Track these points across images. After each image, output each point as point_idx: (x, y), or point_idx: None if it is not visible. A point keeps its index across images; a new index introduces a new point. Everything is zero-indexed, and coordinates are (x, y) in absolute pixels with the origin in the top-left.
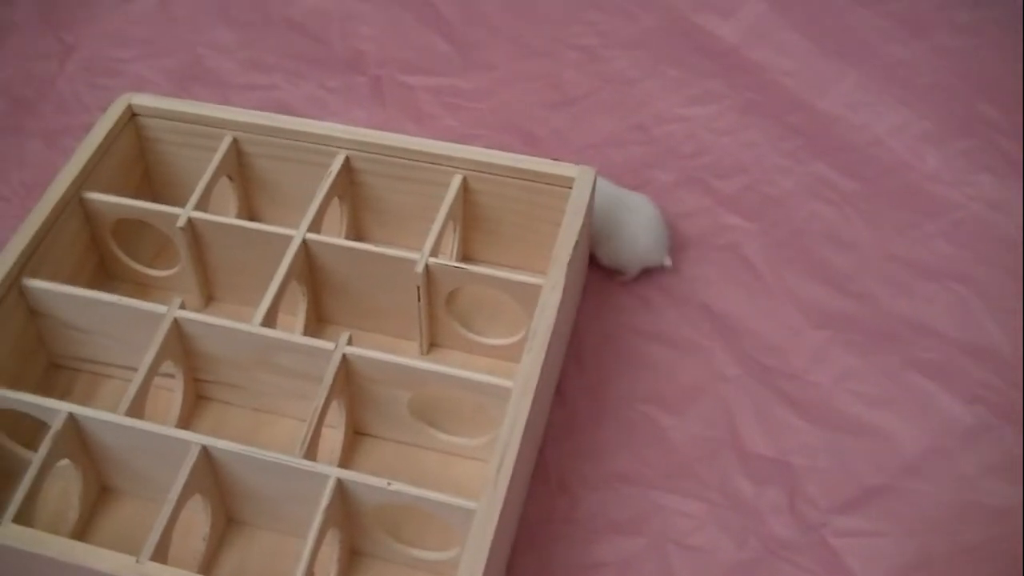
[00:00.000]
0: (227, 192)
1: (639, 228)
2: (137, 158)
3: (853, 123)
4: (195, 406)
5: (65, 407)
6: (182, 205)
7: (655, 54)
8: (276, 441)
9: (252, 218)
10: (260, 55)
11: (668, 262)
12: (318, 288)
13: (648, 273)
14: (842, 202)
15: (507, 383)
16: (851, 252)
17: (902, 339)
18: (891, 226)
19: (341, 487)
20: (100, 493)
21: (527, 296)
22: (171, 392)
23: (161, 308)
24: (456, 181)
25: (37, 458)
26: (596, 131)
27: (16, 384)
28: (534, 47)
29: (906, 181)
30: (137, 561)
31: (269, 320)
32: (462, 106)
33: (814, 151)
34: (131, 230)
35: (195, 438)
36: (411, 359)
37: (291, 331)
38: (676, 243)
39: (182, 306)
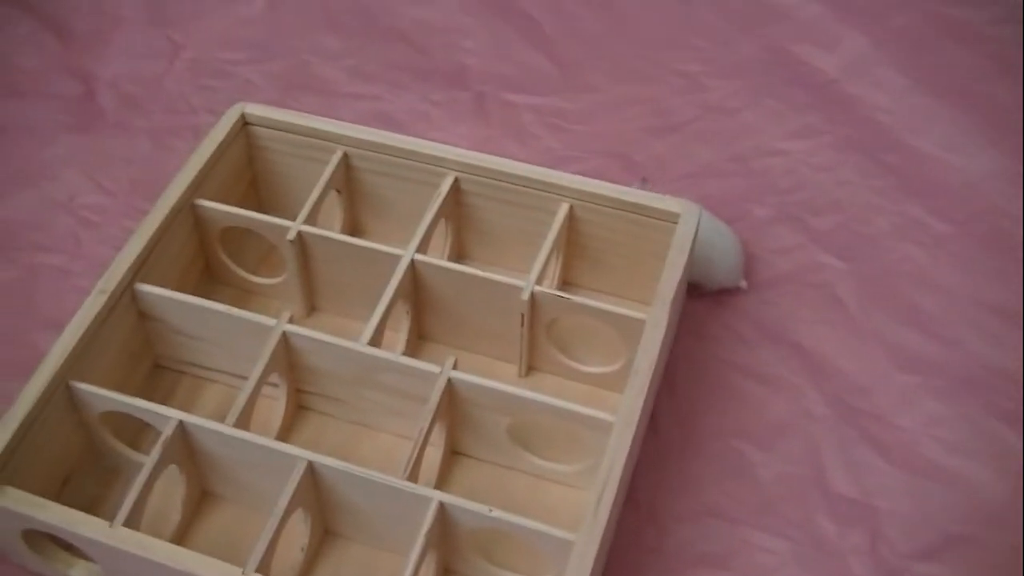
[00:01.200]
0: (333, 205)
1: (723, 250)
2: (246, 165)
3: (947, 164)
4: (295, 416)
5: (176, 415)
6: (287, 214)
7: (756, 84)
8: (374, 456)
9: (355, 231)
10: (365, 64)
11: (744, 284)
12: (421, 306)
13: (741, 308)
14: (933, 244)
15: (609, 417)
16: (940, 296)
17: (987, 387)
18: (980, 271)
19: (442, 510)
20: (200, 497)
21: (628, 328)
22: (274, 401)
23: (270, 321)
24: (563, 209)
25: (148, 463)
26: (695, 160)
27: (122, 385)
28: (636, 70)
29: (996, 226)
30: (243, 572)
31: (376, 339)
32: (563, 127)
33: (908, 191)
34: (236, 236)
35: (302, 453)
36: (516, 387)
37: (392, 347)
38: (770, 279)
39: (290, 320)
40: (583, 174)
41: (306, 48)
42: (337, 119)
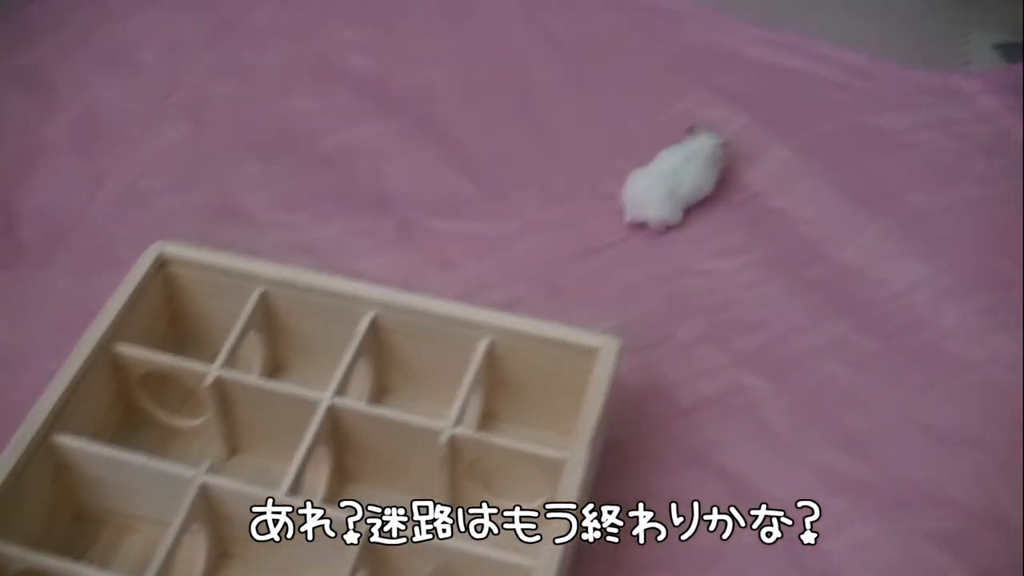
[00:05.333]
0: (254, 344)
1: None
2: (165, 304)
3: (873, 277)
4: (218, 563)
5: (89, 573)
6: (209, 350)
7: None
8: None
9: (277, 368)
10: (289, 191)
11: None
12: (341, 447)
13: (666, 435)
14: (859, 362)
15: (531, 562)
16: (867, 415)
17: (916, 507)
18: (907, 388)
19: None
20: None
21: (549, 467)
22: (195, 547)
23: (188, 471)
24: (482, 346)
25: None
26: (619, 283)
27: (42, 538)
28: (560, 193)
29: (923, 340)
30: None
31: (296, 485)
32: (487, 254)
33: (834, 308)
34: (159, 376)
35: None
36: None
37: (314, 488)
38: (695, 403)
39: (210, 468)
40: (505, 302)
41: (230, 174)
42: (259, 250)
